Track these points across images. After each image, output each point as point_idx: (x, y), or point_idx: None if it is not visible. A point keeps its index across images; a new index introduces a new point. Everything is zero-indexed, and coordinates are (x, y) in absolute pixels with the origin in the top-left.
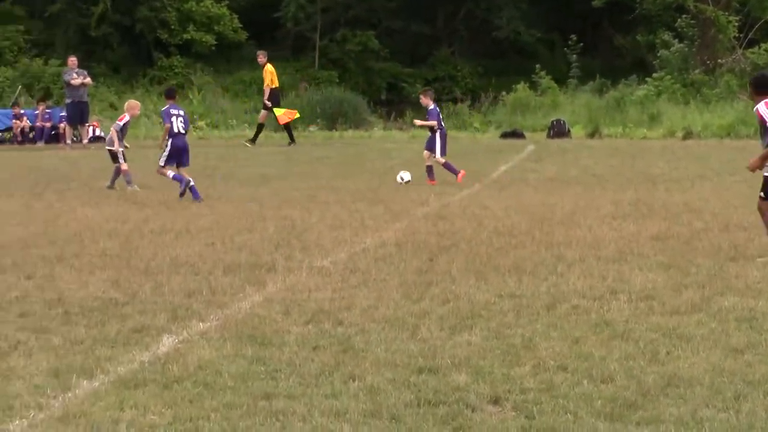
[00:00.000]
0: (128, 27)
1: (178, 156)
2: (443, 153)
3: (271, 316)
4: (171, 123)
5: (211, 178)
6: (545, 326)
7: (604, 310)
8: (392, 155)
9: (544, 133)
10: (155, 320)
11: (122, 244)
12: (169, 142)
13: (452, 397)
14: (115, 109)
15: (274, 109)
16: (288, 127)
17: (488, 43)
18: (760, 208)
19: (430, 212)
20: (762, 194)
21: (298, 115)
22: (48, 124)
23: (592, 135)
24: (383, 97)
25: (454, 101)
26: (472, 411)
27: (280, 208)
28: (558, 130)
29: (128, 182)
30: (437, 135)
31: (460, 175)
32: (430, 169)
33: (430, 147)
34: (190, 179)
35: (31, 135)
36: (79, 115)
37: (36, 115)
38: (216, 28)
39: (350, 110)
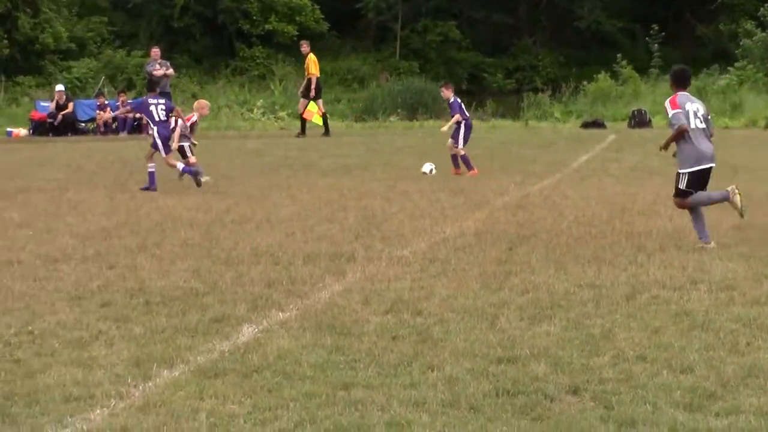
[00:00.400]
0: (210, 18)
1: (164, 143)
2: (464, 143)
3: (351, 306)
4: (151, 113)
5: (292, 168)
6: (624, 316)
7: (684, 300)
8: (473, 145)
9: (625, 123)
10: (235, 310)
11: (203, 234)
12: (155, 133)
13: (531, 388)
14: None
15: (310, 102)
16: (303, 122)
17: (569, 32)
18: (676, 203)
19: (509, 202)
20: (674, 191)
21: (319, 122)
22: (130, 115)
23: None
24: (464, 87)
25: (535, 91)
26: (551, 401)
27: (360, 198)
28: (639, 120)
29: (200, 173)
30: (462, 126)
31: (472, 172)
32: (454, 159)
33: (455, 137)
34: (180, 163)
35: (114, 126)
36: None
37: (117, 106)
38: (298, 18)
39: (430, 100)
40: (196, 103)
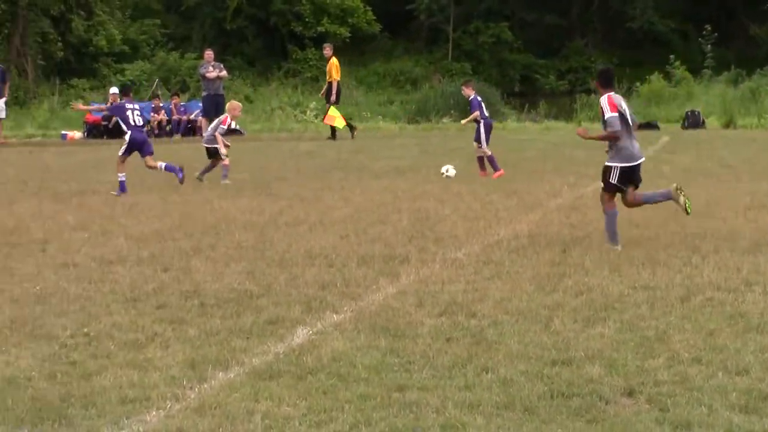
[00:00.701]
0: (263, 20)
1: (137, 148)
2: (488, 143)
3: (405, 308)
4: (127, 118)
5: (345, 170)
6: (679, 318)
7: (739, 302)
8: (525, 147)
9: (679, 124)
10: (290, 312)
11: (257, 236)
12: (128, 136)
13: (586, 390)
14: (251, 102)
15: (331, 107)
16: (332, 127)
17: (622, 33)
18: (601, 198)
19: (563, 203)
20: (604, 185)
21: (341, 126)
22: (184, 117)
23: (726, 126)
24: (516, 88)
25: (588, 92)
26: (606, 403)
27: (413, 200)
28: (692, 121)
29: (224, 176)
30: (481, 126)
31: (498, 173)
32: (480, 161)
33: (477, 138)
34: (161, 163)
35: (168, 128)
36: (214, 108)
37: (171, 109)
38: (350, 20)
39: (483, 102)
40: (228, 105)
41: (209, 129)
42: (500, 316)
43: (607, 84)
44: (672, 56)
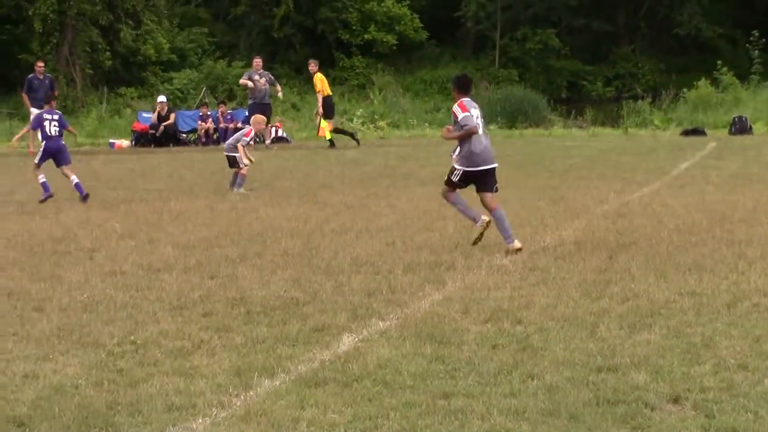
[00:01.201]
0: (310, 28)
1: (52, 156)
2: None
3: (451, 315)
4: (43, 127)
5: (391, 177)
6: (726, 324)
7: None
8: (572, 153)
9: (726, 130)
10: (336, 319)
11: (303, 244)
12: (43, 144)
13: (631, 396)
14: (297, 110)
15: (323, 120)
16: (341, 130)
17: (669, 39)
18: (444, 195)
19: (609, 210)
20: (446, 180)
21: (329, 136)
22: (231, 126)
23: None
24: (564, 95)
25: (635, 99)
26: (652, 410)
27: None
28: (740, 127)
29: (239, 185)
30: None
31: None
32: None
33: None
34: (75, 177)
35: (215, 136)
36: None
37: (218, 117)
38: (397, 27)
39: (530, 108)
40: (253, 119)
41: (231, 139)
42: (546, 322)
43: (462, 89)
44: (719, 62)
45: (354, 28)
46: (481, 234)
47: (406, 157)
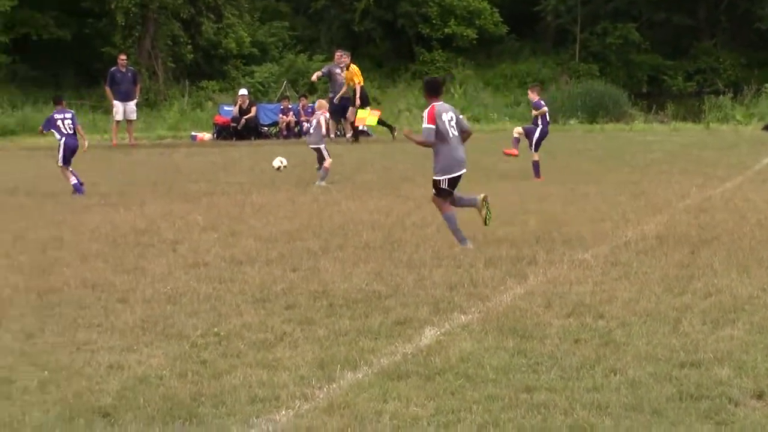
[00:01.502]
0: (390, 22)
1: (72, 154)
2: (537, 149)
3: (533, 309)
4: (57, 126)
5: (472, 171)
6: None
7: None
8: (653, 148)
9: None
10: (417, 312)
11: (385, 237)
12: (62, 143)
13: (715, 392)
14: (378, 103)
15: (359, 110)
16: (382, 122)
17: (750, 33)
18: (436, 203)
19: (691, 205)
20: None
21: (374, 124)
22: (312, 119)
23: None
24: (644, 89)
25: (716, 93)
26: (735, 405)
27: (540, 201)
28: None
29: (322, 178)
30: (538, 131)
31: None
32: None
33: (530, 138)
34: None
35: (296, 129)
36: (341, 110)
37: (299, 110)
38: (477, 22)
39: (611, 103)
40: (317, 104)
41: (313, 133)
42: (628, 317)
43: (432, 93)
44: None
45: (434, 22)
46: (486, 213)
47: (487, 151)
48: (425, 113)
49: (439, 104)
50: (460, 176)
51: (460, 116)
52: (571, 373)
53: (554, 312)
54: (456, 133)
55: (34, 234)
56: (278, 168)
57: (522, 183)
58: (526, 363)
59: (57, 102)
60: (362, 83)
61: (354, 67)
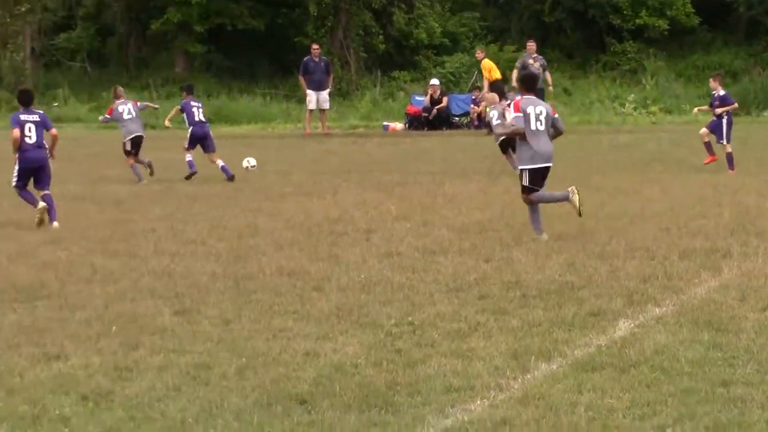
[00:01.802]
0: (581, 12)
1: (200, 142)
2: (729, 140)
3: (728, 302)
4: (192, 113)
5: (664, 163)
6: None
7: None
8: None
9: None
10: (611, 304)
11: (578, 228)
12: (191, 130)
13: None
14: (569, 94)
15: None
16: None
17: None
18: (523, 199)
19: None
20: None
21: None
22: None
23: None
24: None
25: None
26: None
27: (734, 193)
28: None
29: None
30: (724, 121)
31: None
32: (729, 158)
33: (719, 132)
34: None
35: (486, 119)
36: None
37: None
38: (668, 12)
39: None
40: (488, 96)
41: (496, 125)
42: None
43: (525, 87)
44: None
45: (625, 12)
46: (578, 202)
47: (679, 143)
48: (511, 106)
49: (527, 97)
50: (546, 169)
51: (556, 115)
52: (767, 367)
53: (749, 305)
54: (542, 128)
55: (231, 222)
56: (246, 168)
57: (715, 175)
58: (722, 357)
59: (188, 91)
60: (497, 77)
61: (487, 62)
